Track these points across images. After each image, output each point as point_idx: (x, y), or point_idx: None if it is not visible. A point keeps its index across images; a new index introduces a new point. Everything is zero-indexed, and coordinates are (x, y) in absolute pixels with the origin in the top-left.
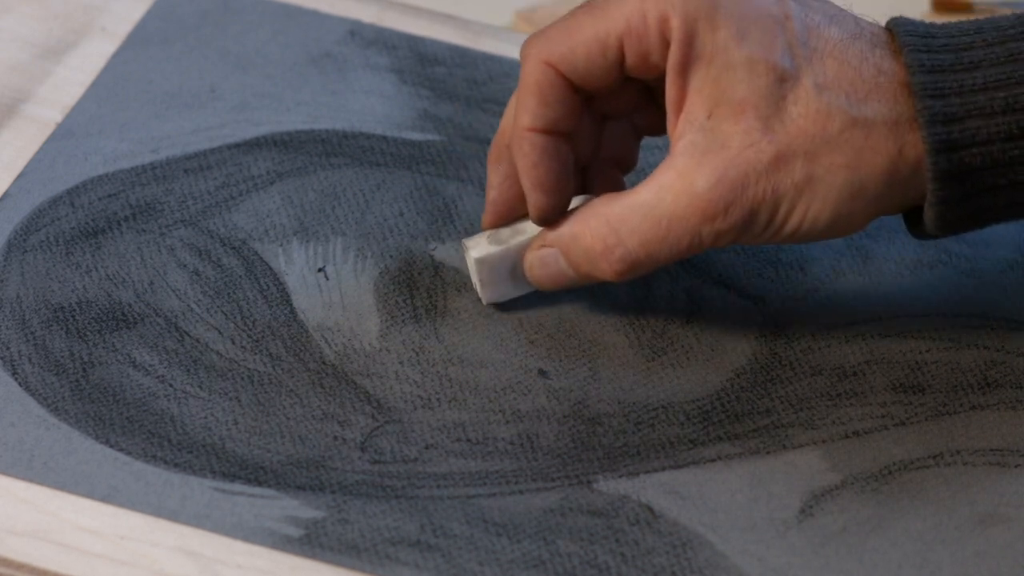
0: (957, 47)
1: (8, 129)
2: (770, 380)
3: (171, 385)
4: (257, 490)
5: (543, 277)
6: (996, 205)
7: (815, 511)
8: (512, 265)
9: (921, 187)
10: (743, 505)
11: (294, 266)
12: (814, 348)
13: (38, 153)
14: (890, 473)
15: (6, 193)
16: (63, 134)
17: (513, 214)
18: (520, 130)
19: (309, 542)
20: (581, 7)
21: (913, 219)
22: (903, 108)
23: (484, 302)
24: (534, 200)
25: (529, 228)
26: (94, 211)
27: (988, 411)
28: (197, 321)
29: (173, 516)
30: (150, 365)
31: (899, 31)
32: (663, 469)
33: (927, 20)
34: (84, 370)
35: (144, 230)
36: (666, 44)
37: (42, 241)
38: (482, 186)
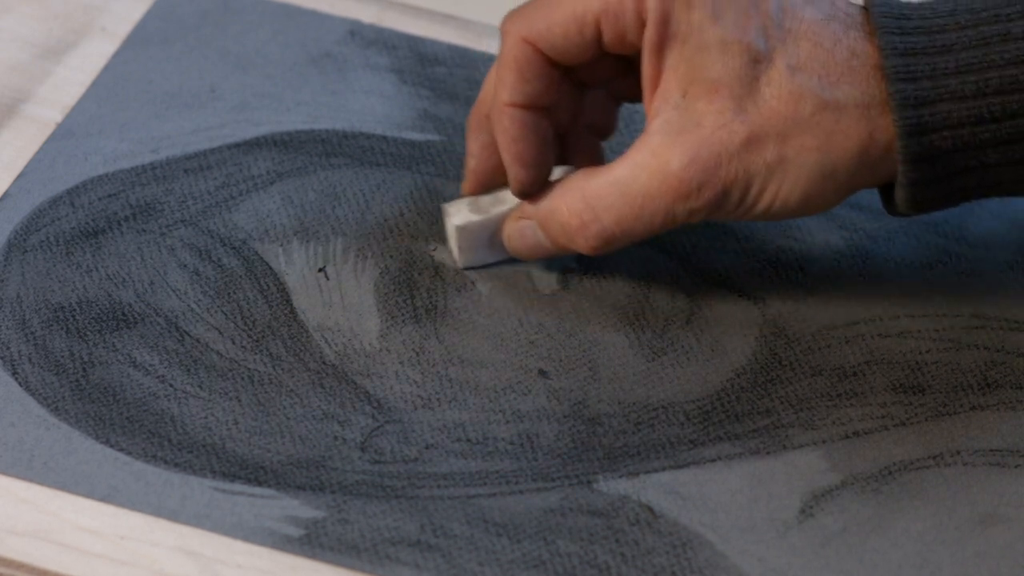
0: (930, 29)
1: (8, 129)
2: (770, 380)
3: (171, 385)
4: (257, 490)
5: (521, 248)
6: (967, 186)
7: (815, 511)
8: (491, 234)
9: (893, 167)
10: (743, 505)
11: (294, 266)
12: (814, 348)
13: (38, 153)
14: (890, 473)
15: (6, 193)
16: (63, 134)
17: (493, 182)
18: (500, 105)
19: (309, 542)
20: None
21: (888, 195)
22: (875, 91)
23: (460, 266)
24: (514, 173)
25: (509, 198)
26: (94, 211)
27: (988, 411)
28: (197, 321)
29: (173, 516)
30: (150, 365)
31: (875, 11)
32: (663, 469)
33: None
34: (84, 370)
35: (144, 230)
36: (642, 23)
37: (42, 241)
38: None
